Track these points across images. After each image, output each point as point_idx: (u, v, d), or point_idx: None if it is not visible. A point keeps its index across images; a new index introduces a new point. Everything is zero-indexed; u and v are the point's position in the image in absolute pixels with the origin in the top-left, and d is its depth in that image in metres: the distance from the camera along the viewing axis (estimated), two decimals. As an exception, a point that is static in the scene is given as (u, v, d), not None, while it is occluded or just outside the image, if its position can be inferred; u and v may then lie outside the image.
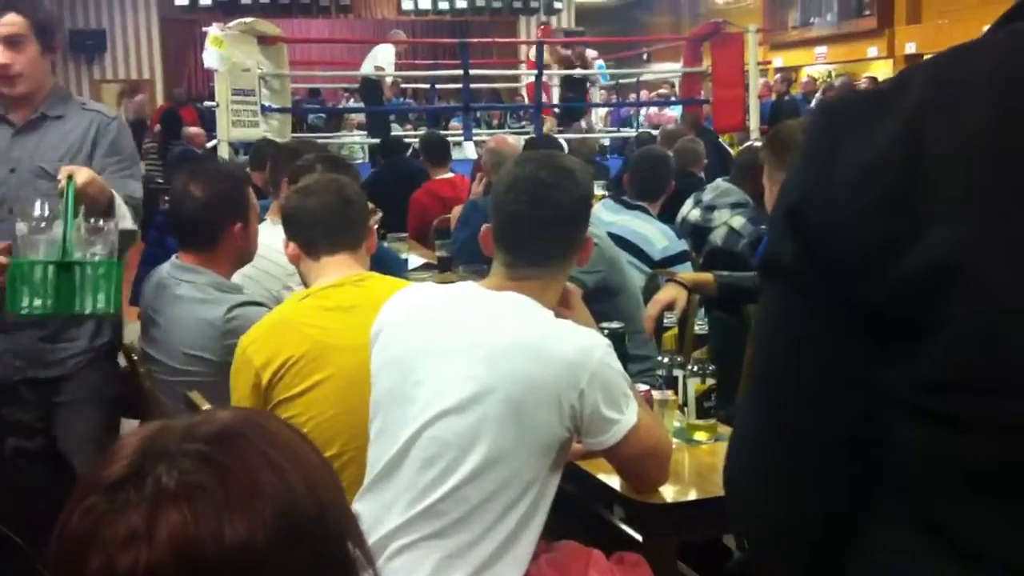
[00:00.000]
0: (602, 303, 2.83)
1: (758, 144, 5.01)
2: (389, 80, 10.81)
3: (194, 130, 11.36)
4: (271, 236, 3.16)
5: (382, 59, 10.23)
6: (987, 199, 0.79)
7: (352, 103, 13.34)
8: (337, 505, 0.83)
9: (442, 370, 1.84)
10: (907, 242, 0.80)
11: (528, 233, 1.93)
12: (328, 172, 2.99)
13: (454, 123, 11.82)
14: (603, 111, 13.16)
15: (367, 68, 9.99)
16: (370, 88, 10.07)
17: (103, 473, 0.78)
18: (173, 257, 2.82)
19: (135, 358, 2.75)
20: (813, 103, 12.21)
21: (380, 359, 1.96)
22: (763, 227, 3.92)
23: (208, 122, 10.50)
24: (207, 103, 10.64)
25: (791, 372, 0.91)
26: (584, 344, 1.83)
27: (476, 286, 1.97)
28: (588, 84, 12.04)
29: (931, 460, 0.83)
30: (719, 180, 4.48)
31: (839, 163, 0.85)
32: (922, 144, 0.81)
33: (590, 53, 12.18)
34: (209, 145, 10.04)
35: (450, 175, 6.13)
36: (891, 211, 0.81)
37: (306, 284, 2.47)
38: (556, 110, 11.42)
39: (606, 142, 11.53)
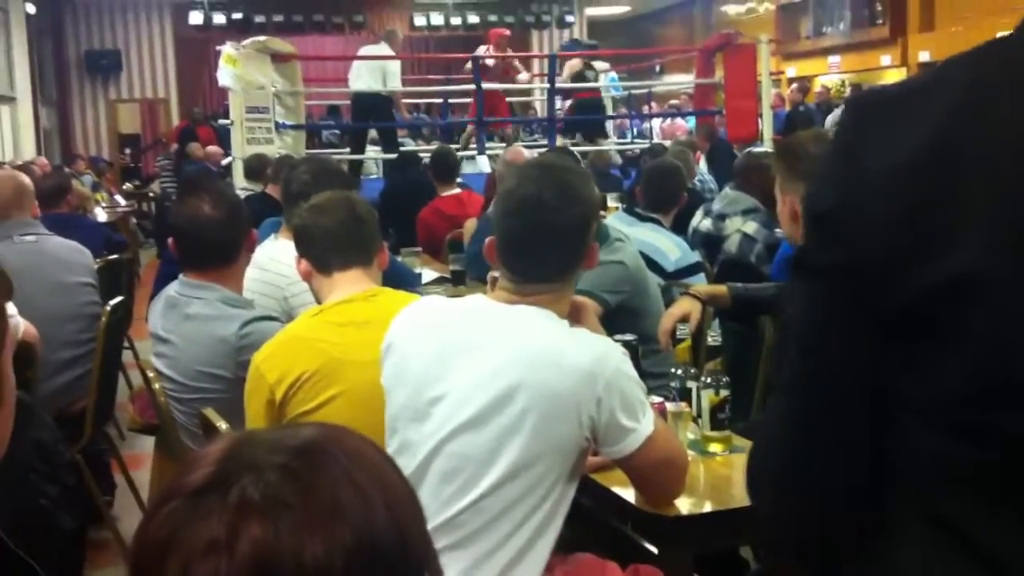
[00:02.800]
0: (623, 324, 2.81)
1: (757, 149, 5.01)
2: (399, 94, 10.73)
3: (211, 149, 11.44)
4: (275, 250, 3.18)
5: (392, 76, 10.10)
6: (1013, 212, 0.78)
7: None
8: (418, 532, 0.79)
9: (459, 384, 1.84)
10: (934, 251, 0.79)
11: (533, 257, 1.91)
12: (310, 180, 3.03)
13: (467, 138, 11.83)
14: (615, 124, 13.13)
15: (372, 83, 9.86)
16: (380, 104, 10.01)
17: (186, 479, 0.75)
18: (180, 276, 2.77)
19: (150, 375, 2.76)
20: (830, 116, 12.15)
21: (392, 375, 1.95)
22: (777, 231, 3.91)
23: (224, 140, 10.55)
24: (222, 121, 10.71)
25: (818, 370, 0.91)
26: (599, 352, 1.83)
27: (487, 299, 1.96)
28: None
29: (946, 467, 0.83)
30: (727, 189, 4.47)
31: (870, 164, 0.83)
32: (953, 150, 0.80)
33: (600, 65, 12.08)
34: (224, 163, 10.09)
35: (457, 191, 6.01)
36: (919, 219, 0.80)
37: (318, 300, 2.47)
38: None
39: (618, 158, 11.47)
